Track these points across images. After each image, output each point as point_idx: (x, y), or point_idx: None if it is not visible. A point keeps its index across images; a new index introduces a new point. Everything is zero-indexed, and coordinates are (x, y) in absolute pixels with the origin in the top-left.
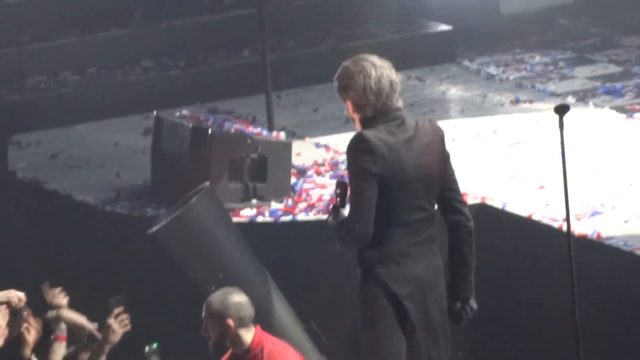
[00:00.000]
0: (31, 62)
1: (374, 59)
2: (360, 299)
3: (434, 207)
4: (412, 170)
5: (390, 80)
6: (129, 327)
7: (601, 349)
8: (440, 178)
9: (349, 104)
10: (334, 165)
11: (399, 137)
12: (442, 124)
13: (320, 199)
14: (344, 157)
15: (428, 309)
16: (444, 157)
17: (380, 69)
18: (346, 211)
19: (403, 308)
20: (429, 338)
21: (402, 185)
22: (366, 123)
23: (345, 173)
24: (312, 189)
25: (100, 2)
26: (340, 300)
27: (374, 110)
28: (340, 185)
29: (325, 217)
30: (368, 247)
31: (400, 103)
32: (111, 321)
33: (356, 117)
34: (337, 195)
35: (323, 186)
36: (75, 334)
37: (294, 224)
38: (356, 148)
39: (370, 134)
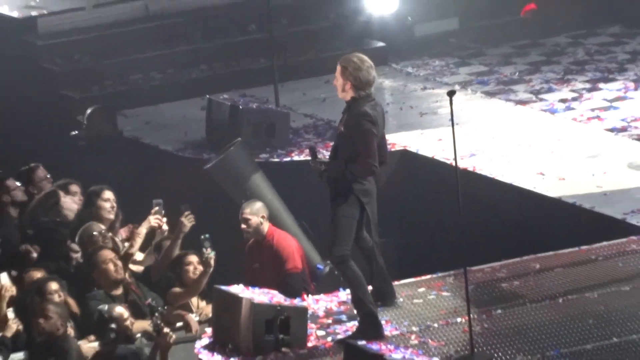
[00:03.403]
0: (133, 68)
1: (369, 60)
2: (341, 203)
3: None
4: (382, 132)
5: (374, 76)
6: (194, 222)
7: (481, 246)
8: None
9: (347, 84)
10: (315, 127)
11: (377, 111)
12: (380, 101)
13: (306, 149)
14: (321, 122)
15: (374, 210)
16: None
17: (373, 69)
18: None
19: (364, 210)
20: (374, 227)
21: (379, 141)
22: (357, 100)
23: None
24: (302, 142)
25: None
26: (318, 212)
27: (364, 94)
28: (312, 150)
29: (306, 159)
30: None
31: (372, 90)
32: (183, 219)
33: (348, 93)
34: (311, 154)
35: (308, 140)
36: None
37: (291, 163)
38: (364, 117)
39: (368, 109)
